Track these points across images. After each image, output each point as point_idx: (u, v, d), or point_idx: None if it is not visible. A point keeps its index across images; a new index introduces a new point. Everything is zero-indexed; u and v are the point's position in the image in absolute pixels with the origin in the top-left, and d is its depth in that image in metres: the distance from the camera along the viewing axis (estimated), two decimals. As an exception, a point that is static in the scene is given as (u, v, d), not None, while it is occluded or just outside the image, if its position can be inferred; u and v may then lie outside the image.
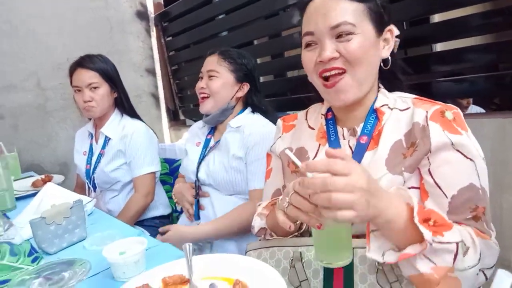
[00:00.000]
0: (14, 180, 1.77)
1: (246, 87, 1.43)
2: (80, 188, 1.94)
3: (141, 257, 0.79)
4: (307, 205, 0.63)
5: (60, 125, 2.74)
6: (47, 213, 0.96)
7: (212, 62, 1.42)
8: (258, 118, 1.43)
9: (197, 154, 1.48)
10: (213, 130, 1.53)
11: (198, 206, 1.42)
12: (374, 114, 0.84)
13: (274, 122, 1.41)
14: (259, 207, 0.95)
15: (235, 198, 1.40)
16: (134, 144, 1.69)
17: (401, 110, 0.82)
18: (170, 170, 1.98)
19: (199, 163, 1.45)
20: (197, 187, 1.44)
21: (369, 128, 0.82)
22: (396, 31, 0.84)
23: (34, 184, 1.68)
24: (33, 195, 1.56)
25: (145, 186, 1.69)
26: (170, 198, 1.95)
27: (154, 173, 1.73)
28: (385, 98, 0.85)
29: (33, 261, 0.95)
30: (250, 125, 1.38)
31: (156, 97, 3.19)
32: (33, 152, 2.62)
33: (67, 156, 2.76)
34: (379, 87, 0.87)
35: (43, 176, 1.75)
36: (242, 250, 1.32)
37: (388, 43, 0.84)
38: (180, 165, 1.93)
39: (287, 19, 1.85)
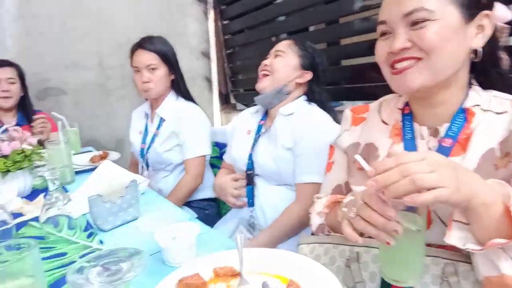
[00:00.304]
0: (74, 154, 1.86)
1: (308, 76, 1.37)
2: (134, 166, 2.01)
3: (193, 244, 0.78)
4: (378, 218, 0.57)
5: (119, 103, 2.84)
6: (103, 191, 0.98)
7: (283, 44, 1.40)
8: (312, 108, 1.37)
9: (247, 142, 1.45)
10: (265, 116, 1.49)
11: (253, 194, 1.38)
12: (463, 114, 0.74)
13: (332, 115, 1.35)
14: (317, 202, 0.90)
15: (284, 188, 1.35)
16: (188, 127, 1.70)
17: (497, 113, 0.72)
18: (220, 154, 1.98)
19: (250, 151, 1.42)
20: (250, 177, 1.40)
21: (455, 130, 0.72)
22: (502, 15, 0.72)
23: (92, 160, 1.75)
24: (91, 170, 1.64)
25: (196, 169, 1.70)
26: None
27: (204, 156, 1.73)
28: (478, 97, 0.74)
29: (88, 236, 0.98)
30: (302, 115, 1.32)
31: (209, 80, 3.21)
32: (93, 128, 2.74)
33: (123, 134, 2.86)
34: (471, 84, 0.77)
35: (100, 152, 1.82)
36: (290, 243, 1.29)
37: (483, 30, 0.72)
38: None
39: (347, 5, 1.75)
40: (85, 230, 1.01)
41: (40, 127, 1.98)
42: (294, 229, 1.26)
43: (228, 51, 3.12)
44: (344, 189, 0.92)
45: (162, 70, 1.70)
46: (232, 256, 0.72)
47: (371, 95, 1.22)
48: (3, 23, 2.42)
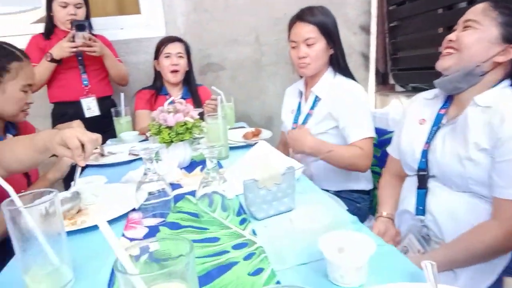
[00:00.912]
0: (228, 129, 1.88)
1: None
2: (283, 146, 1.93)
3: (365, 264, 0.61)
4: None
5: (271, 79, 2.82)
6: (259, 176, 0.89)
7: (476, 11, 1.06)
8: None
9: (421, 135, 1.18)
10: (448, 103, 1.19)
11: (424, 200, 1.13)
12: None
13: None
14: None
15: (467, 196, 1.04)
16: (348, 107, 1.51)
17: None
18: (378, 142, 1.74)
19: (425, 147, 1.15)
20: (422, 178, 1.15)
21: None
22: None
23: (245, 136, 1.73)
24: (243, 147, 1.62)
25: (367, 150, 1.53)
26: (374, 172, 1.73)
27: (371, 138, 1.53)
28: None
29: (241, 222, 0.90)
30: (509, 108, 0.99)
31: (366, 57, 2.92)
32: (246, 103, 2.79)
33: (273, 111, 2.86)
34: None
35: (253, 129, 1.79)
36: (474, 271, 1.00)
37: None
38: (390, 138, 1.67)
39: None
40: (238, 214, 0.95)
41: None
42: (486, 253, 0.97)
43: (391, 24, 2.76)
44: None
45: (320, 44, 1.54)
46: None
47: None
48: (174, 1, 2.60)
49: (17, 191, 1.36)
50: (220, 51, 2.72)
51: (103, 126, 2.22)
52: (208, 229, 0.89)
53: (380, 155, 1.72)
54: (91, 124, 2.11)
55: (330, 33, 1.54)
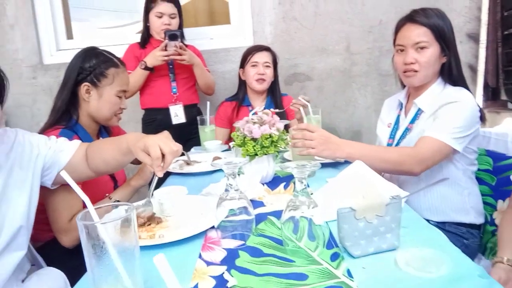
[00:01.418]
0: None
1: None
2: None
3: None
4: None
5: (361, 91, 2.63)
6: (357, 205, 0.75)
7: None
8: None
9: None
10: None
11: None
12: None
13: None
14: None
15: None
16: (446, 109, 1.29)
17: None
18: (494, 168, 1.46)
19: None
20: None
21: None
22: None
23: (332, 152, 1.57)
24: (329, 165, 1.47)
25: (426, 151, 1.26)
26: (486, 203, 1.46)
27: (445, 144, 1.26)
28: None
29: (332, 258, 0.77)
30: None
31: (473, 69, 2.58)
32: (332, 116, 2.63)
33: (361, 124, 2.66)
34: None
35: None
36: None
37: None
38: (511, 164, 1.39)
39: None
40: (328, 247, 0.81)
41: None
42: None
43: (505, 32, 2.40)
44: None
45: (432, 50, 1.33)
46: None
47: None
48: (264, 10, 2.56)
49: (103, 193, 1.40)
50: (308, 60, 2.60)
51: (188, 133, 2.25)
52: (294, 261, 0.76)
53: (495, 184, 1.44)
54: (177, 131, 2.14)
55: (445, 38, 1.33)
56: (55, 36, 2.60)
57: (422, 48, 1.33)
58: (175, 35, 2.05)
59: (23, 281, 1.08)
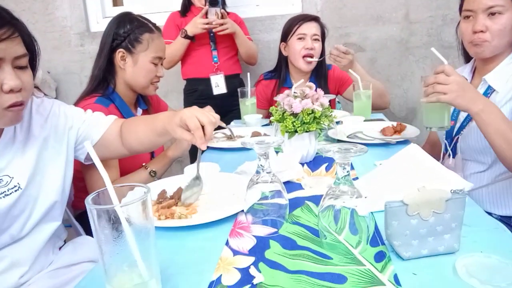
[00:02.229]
0: (364, 121, 1.60)
1: None
2: (431, 146, 1.57)
3: None
4: None
5: (419, 64, 2.39)
6: (410, 199, 0.63)
7: None
8: None
9: None
10: None
11: None
12: None
13: None
14: None
15: None
16: None
17: None
18: None
19: None
20: None
21: None
22: None
23: (383, 131, 1.42)
24: (380, 145, 1.33)
25: None
26: None
27: None
28: None
29: (377, 258, 0.66)
30: None
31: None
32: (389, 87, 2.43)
33: (418, 102, 2.43)
34: None
35: (394, 124, 1.46)
36: None
37: None
38: None
39: None
40: (373, 244, 0.70)
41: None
42: None
43: None
44: None
45: (509, 15, 1.12)
46: None
47: None
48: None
49: (140, 162, 1.37)
50: (361, 30, 2.39)
51: (229, 105, 2.17)
52: (332, 258, 0.67)
53: None
54: (218, 102, 2.08)
55: None
56: (101, 3, 2.59)
57: (495, 13, 1.13)
58: (216, 1, 1.95)
59: (60, 248, 1.09)
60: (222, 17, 1.98)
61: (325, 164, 1.17)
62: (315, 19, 1.92)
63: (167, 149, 1.41)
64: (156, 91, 1.48)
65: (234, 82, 2.23)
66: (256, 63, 2.28)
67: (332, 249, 0.69)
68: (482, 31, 1.16)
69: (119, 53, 1.35)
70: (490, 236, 0.72)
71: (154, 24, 1.40)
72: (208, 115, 0.88)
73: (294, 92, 1.18)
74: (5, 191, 0.88)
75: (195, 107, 0.91)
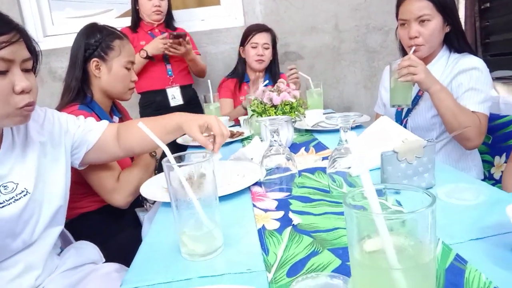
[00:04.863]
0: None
1: None
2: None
3: None
4: None
5: (349, 68, 2.72)
6: (399, 148, 0.83)
7: None
8: None
9: None
10: None
11: None
12: None
13: None
14: None
15: None
16: (471, 77, 1.35)
17: None
18: (489, 128, 1.58)
19: None
20: None
21: None
22: None
23: (339, 120, 1.66)
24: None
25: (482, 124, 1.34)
26: (484, 161, 1.58)
27: (487, 116, 1.36)
28: None
29: (379, 195, 0.84)
30: None
31: (453, 43, 2.72)
32: (323, 92, 2.70)
33: (351, 100, 2.76)
34: None
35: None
36: None
37: None
38: (506, 123, 1.52)
39: None
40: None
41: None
42: None
43: (482, 6, 2.55)
44: None
45: (436, 22, 1.39)
46: None
47: None
48: (255, -11, 2.59)
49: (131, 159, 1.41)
50: (298, 39, 2.67)
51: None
52: (345, 202, 0.84)
53: (491, 142, 1.57)
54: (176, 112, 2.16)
55: (447, 8, 1.38)
56: (41, 22, 2.53)
57: (424, 21, 1.38)
58: (179, 36, 2.10)
59: (58, 254, 1.11)
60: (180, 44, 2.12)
61: (303, 147, 1.35)
62: (266, 30, 2.18)
63: None
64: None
65: (189, 92, 2.34)
66: (205, 76, 2.41)
67: (342, 198, 0.86)
68: (416, 37, 1.40)
69: (93, 62, 1.37)
70: (454, 176, 0.95)
71: (121, 32, 1.46)
72: (225, 129, 1.00)
73: (270, 90, 1.35)
74: (13, 197, 0.89)
75: (217, 117, 1.03)
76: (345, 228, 0.72)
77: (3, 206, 0.86)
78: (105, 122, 1.16)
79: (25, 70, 0.86)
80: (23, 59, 0.84)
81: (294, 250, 0.65)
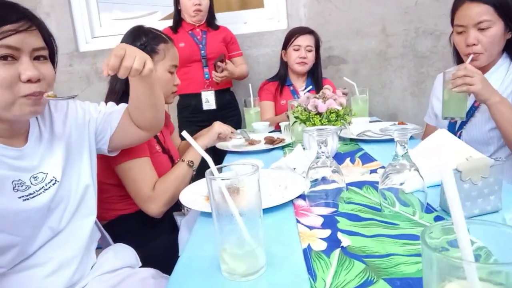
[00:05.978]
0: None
1: None
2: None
3: None
4: None
5: (396, 73, 2.60)
6: (463, 167, 0.75)
7: None
8: None
9: None
10: None
11: None
12: None
13: None
14: None
15: None
16: None
17: None
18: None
19: None
20: None
21: None
22: None
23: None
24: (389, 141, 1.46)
25: None
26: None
27: None
28: None
29: (437, 220, 0.77)
30: None
31: None
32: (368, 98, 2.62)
33: (397, 107, 2.64)
34: None
35: (396, 123, 1.62)
36: None
37: None
38: None
39: None
40: (427, 211, 0.81)
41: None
42: None
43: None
44: None
45: (497, 28, 1.27)
46: None
47: None
48: (299, -8, 2.54)
49: (164, 171, 1.41)
50: (342, 43, 2.58)
51: (219, 117, 2.23)
52: (398, 224, 0.77)
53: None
54: (209, 116, 2.14)
55: (509, 12, 1.26)
56: (89, 23, 2.61)
57: (484, 28, 1.26)
58: (222, 60, 2.14)
59: (97, 250, 1.11)
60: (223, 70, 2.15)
61: (348, 158, 1.28)
62: (310, 32, 2.11)
63: (196, 139, 1.44)
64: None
65: (225, 96, 2.32)
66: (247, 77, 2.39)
67: (395, 218, 0.79)
68: (474, 44, 1.29)
69: None
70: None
71: (166, 35, 1.46)
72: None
73: (315, 97, 1.29)
74: (43, 186, 0.90)
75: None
76: (401, 255, 0.65)
77: (34, 196, 0.87)
78: (124, 105, 1.15)
79: (38, 59, 0.85)
80: (34, 48, 0.83)
81: (345, 277, 0.59)
